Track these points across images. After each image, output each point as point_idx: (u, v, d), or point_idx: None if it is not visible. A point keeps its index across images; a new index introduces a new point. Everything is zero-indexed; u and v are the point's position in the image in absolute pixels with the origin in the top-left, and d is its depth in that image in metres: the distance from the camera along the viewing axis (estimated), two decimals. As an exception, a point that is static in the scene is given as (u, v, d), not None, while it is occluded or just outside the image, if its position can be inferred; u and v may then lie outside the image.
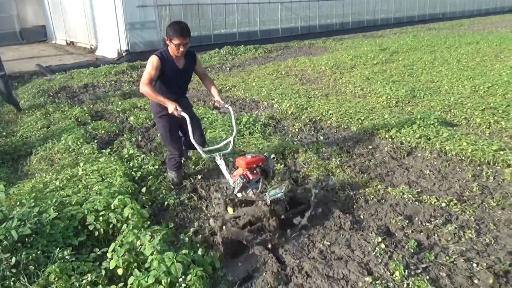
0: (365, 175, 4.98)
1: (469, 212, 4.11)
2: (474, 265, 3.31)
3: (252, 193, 3.85)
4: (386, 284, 3.10)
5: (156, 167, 5.15)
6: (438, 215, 4.07)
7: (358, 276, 3.19)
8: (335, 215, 4.04)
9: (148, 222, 3.79)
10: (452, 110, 7.19)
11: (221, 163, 4.09)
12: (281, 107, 7.65)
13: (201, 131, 4.76)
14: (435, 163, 5.26)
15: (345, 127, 6.69)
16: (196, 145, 4.00)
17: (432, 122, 6.35)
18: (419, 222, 3.97)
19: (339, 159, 5.41)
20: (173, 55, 4.18)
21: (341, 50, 14.61)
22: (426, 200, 4.37)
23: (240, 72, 11.61)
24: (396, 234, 3.81)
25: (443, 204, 4.26)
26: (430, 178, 4.91)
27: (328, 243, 3.64)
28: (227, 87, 9.72)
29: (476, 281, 3.15)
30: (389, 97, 8.04)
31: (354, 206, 4.31)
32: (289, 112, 7.32)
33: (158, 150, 5.94)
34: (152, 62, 4.09)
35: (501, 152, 5.26)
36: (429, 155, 5.45)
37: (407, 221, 3.96)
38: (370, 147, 5.82)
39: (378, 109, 7.43)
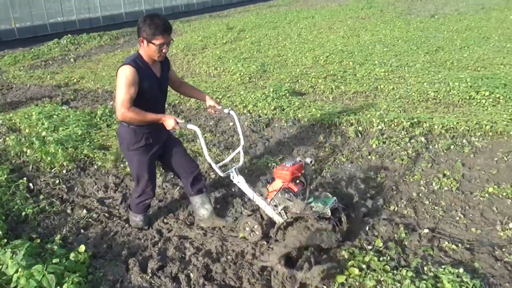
0: (230, 151, 5.16)
1: (326, 169, 4.57)
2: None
3: (297, 209, 3.22)
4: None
5: (5, 176, 4.59)
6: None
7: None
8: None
9: (5, 239, 3.40)
10: (300, 81, 7.80)
11: (239, 180, 3.39)
12: (138, 94, 7.41)
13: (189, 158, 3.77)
14: (291, 130, 5.68)
15: (205, 107, 6.78)
16: (212, 164, 3.28)
17: (283, 94, 6.82)
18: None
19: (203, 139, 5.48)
20: (149, 60, 3.19)
21: (190, 32, 14.61)
22: (288, 166, 4.72)
23: (87, 62, 10.87)
24: (266, 201, 4.05)
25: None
26: (289, 145, 5.30)
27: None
28: (75, 80, 9.01)
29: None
30: (242, 73, 8.35)
31: (224, 182, 4.44)
32: (147, 99, 7.13)
33: (3, 157, 5.29)
34: (127, 76, 3.03)
35: (344, 113, 5.91)
36: (285, 124, 5.86)
37: (274, 187, 4.24)
38: (231, 123, 6.02)
39: (234, 86, 7.69)
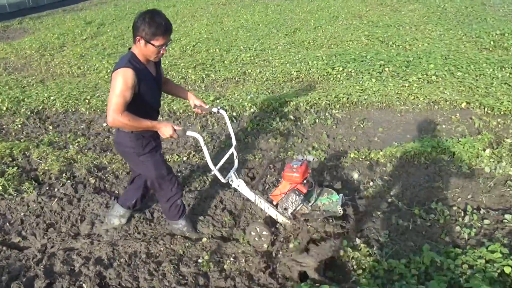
0: (108, 153, 5.01)
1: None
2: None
3: (306, 209, 3.20)
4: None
5: None
6: (183, 168, 4.53)
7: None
8: (87, 198, 4.01)
9: None
10: (170, 72, 7.77)
11: (239, 184, 3.26)
12: (-9, 104, 6.69)
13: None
14: (168, 124, 5.69)
15: (73, 110, 6.41)
16: (215, 171, 3.11)
17: (155, 87, 6.74)
18: (169, 180, 4.34)
19: (76, 144, 5.23)
20: (145, 60, 2.96)
21: (43, 30, 13.41)
22: (169, 159, 4.75)
23: None
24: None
25: (185, 158, 4.75)
26: (168, 139, 5.31)
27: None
28: None
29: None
30: (108, 71, 8.02)
31: (106, 186, 4.33)
32: (4, 108, 6.47)
33: None
34: (126, 78, 2.78)
35: (218, 101, 6.09)
36: (161, 118, 5.83)
37: (159, 183, 4.27)
38: (105, 124, 5.81)
39: (102, 85, 7.36)
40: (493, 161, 4.22)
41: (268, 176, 4.31)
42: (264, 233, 3.32)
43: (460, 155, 4.30)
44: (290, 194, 3.20)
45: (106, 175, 4.50)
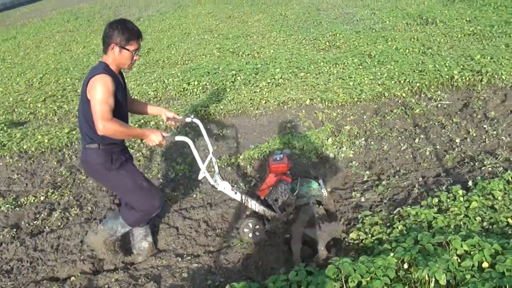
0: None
1: (67, 193, 4.50)
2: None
3: (292, 199, 3.29)
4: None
5: None
6: (42, 208, 4.26)
7: None
8: None
9: None
10: (16, 109, 7.21)
11: (225, 186, 3.21)
12: None
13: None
14: (20, 165, 5.27)
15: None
16: (206, 175, 3.09)
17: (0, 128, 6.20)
18: (26, 224, 4.05)
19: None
20: (116, 69, 2.96)
21: None
22: (25, 202, 4.43)
23: None
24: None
25: (42, 198, 4.47)
26: (21, 180, 4.94)
27: None
28: None
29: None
30: None
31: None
32: None
33: None
34: (107, 85, 2.75)
35: (74, 132, 5.84)
36: (11, 160, 5.38)
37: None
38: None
39: None
40: (336, 147, 4.77)
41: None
42: (257, 227, 3.36)
43: (307, 146, 4.77)
44: (278, 185, 3.27)
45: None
